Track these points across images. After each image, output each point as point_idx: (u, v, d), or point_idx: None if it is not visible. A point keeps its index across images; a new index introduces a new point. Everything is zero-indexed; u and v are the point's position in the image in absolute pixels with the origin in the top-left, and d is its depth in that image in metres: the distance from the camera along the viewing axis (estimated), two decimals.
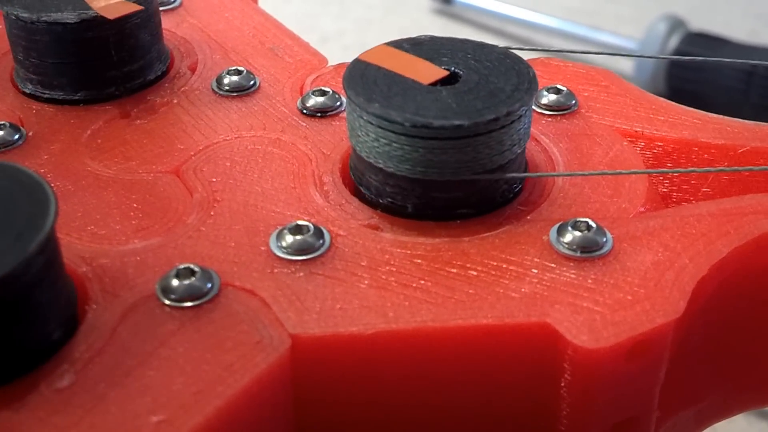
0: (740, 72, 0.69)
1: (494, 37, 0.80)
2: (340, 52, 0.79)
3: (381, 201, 0.29)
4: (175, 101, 0.34)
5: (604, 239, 0.27)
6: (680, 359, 0.27)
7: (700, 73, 0.70)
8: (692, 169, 0.31)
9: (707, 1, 0.87)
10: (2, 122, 0.32)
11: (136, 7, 0.31)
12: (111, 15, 0.31)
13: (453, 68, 0.29)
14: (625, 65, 0.77)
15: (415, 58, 0.29)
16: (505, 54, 0.30)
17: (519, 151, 0.28)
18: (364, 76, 0.28)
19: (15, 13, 0.33)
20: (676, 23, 0.73)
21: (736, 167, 0.31)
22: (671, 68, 0.72)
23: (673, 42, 0.73)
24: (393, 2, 0.84)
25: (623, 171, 0.30)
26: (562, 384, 0.25)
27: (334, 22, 0.81)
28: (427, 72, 0.28)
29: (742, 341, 0.30)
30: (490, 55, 0.29)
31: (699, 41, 0.72)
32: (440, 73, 0.28)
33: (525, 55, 0.31)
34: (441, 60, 0.29)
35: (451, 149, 0.27)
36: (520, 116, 0.27)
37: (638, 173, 0.30)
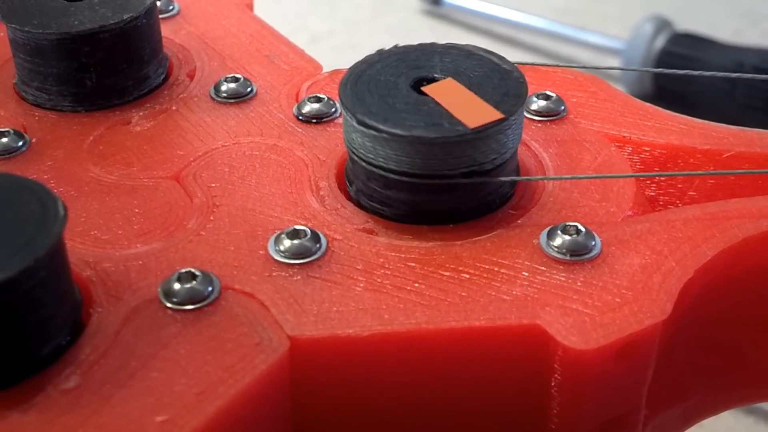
0: (726, 71, 0.69)
1: (482, 38, 0.80)
2: (329, 52, 0.80)
3: (375, 205, 0.29)
4: (174, 108, 0.34)
5: (593, 243, 0.27)
6: (667, 359, 0.28)
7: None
8: (679, 172, 0.31)
9: (693, 1, 0.88)
10: (6, 129, 0.32)
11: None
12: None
13: (444, 75, 0.29)
14: (612, 64, 0.77)
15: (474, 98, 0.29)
16: (494, 60, 0.30)
17: (510, 156, 0.29)
18: (357, 87, 0.29)
19: (16, 26, 0.33)
20: (662, 24, 0.74)
21: (721, 171, 0.31)
22: (658, 67, 0.72)
23: (660, 42, 0.73)
24: (381, 3, 0.84)
25: (613, 175, 0.30)
26: (553, 384, 0.26)
27: (323, 22, 0.81)
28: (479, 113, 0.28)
29: (727, 341, 0.30)
30: (480, 61, 0.30)
31: (685, 41, 0.73)
32: (494, 115, 0.28)
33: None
34: (431, 66, 0.30)
35: (444, 156, 0.27)
36: (511, 123, 0.28)
37: (627, 177, 0.30)
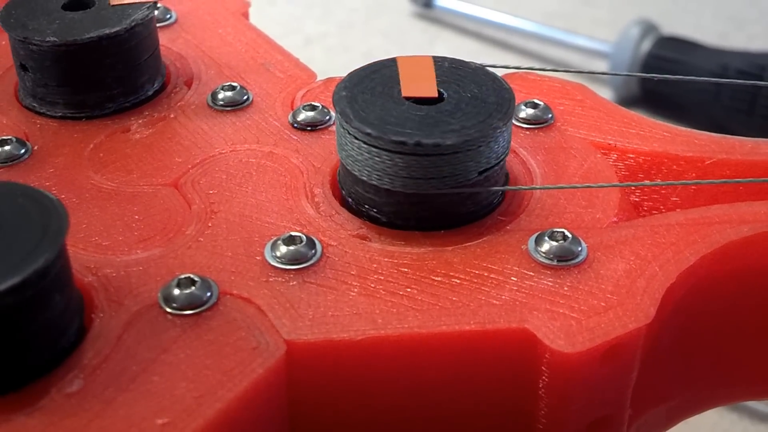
0: (711, 74, 0.70)
1: (472, 40, 0.81)
2: (323, 54, 0.80)
3: (368, 212, 0.30)
4: (172, 116, 0.35)
5: (579, 248, 0.28)
6: (652, 360, 0.28)
7: (673, 74, 0.71)
8: (663, 182, 0.32)
9: (679, 4, 0.88)
10: (9, 137, 0.33)
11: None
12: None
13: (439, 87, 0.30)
14: (600, 67, 0.78)
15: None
16: (484, 73, 0.30)
17: (499, 165, 0.29)
18: (352, 95, 0.29)
19: (16, 33, 0.33)
20: (648, 27, 0.74)
21: (703, 180, 0.32)
22: (644, 70, 0.73)
23: (646, 45, 0.74)
24: (374, 5, 0.84)
25: (599, 184, 0.31)
26: (540, 386, 0.26)
27: (317, 24, 0.81)
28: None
29: (710, 342, 0.31)
30: (470, 73, 0.30)
31: (671, 45, 0.73)
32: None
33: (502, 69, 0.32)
34: None
35: (434, 165, 0.28)
36: (500, 134, 0.28)
37: (613, 186, 0.31)
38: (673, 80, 0.70)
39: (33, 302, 0.24)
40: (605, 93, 0.76)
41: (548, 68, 0.35)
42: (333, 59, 0.71)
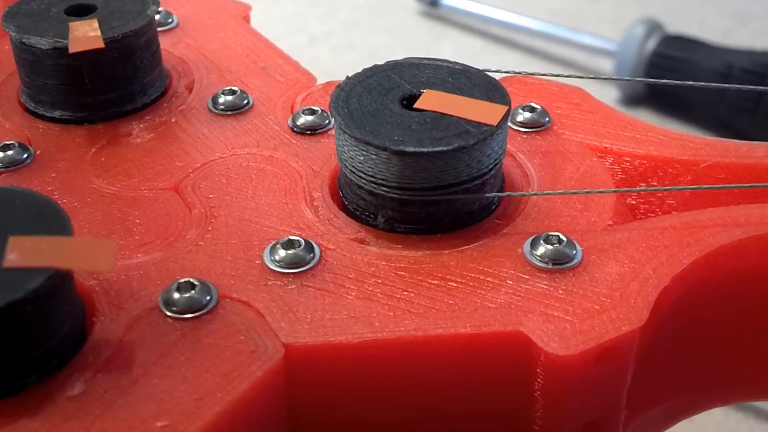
0: (716, 73, 0.70)
1: (478, 39, 0.81)
2: (328, 53, 0.80)
3: (366, 216, 0.30)
4: (173, 120, 0.35)
5: (574, 252, 0.28)
6: (647, 362, 0.28)
7: (678, 73, 0.71)
8: (659, 187, 0.32)
9: (683, 1, 0.88)
10: (12, 142, 0.33)
11: (99, 45, 0.33)
12: (73, 48, 0.32)
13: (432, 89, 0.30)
14: (605, 66, 0.78)
15: (471, 100, 0.30)
16: (481, 78, 0.31)
17: (494, 170, 0.29)
18: (350, 100, 0.30)
19: (19, 37, 0.33)
20: (653, 26, 0.74)
21: (700, 186, 0.32)
22: (650, 69, 0.73)
23: (651, 44, 0.74)
24: (379, 4, 0.84)
25: (593, 190, 0.31)
26: (536, 388, 0.27)
27: (321, 23, 0.82)
28: (489, 111, 0.29)
29: (704, 344, 0.31)
30: (467, 79, 0.31)
31: (676, 43, 0.73)
32: (501, 110, 0.29)
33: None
34: (420, 84, 0.30)
35: (430, 171, 0.28)
36: (495, 140, 0.29)
37: (610, 192, 0.31)
38: (679, 79, 0.69)
39: (35, 309, 0.24)
40: (611, 91, 0.76)
41: (556, 73, 0.36)
42: (338, 58, 0.71)
